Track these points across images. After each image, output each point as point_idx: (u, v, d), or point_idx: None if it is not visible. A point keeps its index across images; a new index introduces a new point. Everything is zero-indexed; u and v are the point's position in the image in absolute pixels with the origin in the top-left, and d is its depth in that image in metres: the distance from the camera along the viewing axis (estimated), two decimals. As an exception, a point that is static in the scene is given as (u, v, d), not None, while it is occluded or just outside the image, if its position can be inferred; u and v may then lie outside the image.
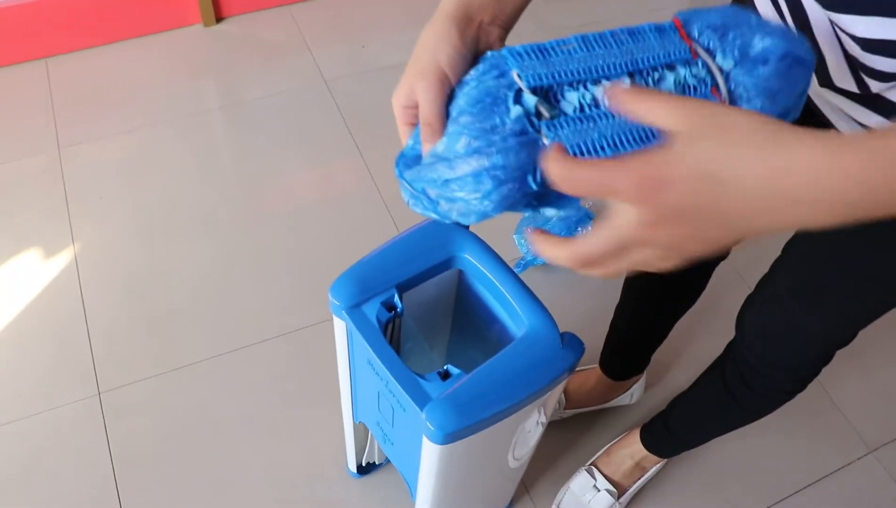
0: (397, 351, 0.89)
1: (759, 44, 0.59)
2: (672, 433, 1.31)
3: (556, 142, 0.54)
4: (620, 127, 0.55)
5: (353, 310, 0.90)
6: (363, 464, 1.38)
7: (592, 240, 0.48)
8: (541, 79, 0.57)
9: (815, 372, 1.03)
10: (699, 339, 1.61)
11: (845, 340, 0.95)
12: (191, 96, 2.06)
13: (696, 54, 0.60)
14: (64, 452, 1.45)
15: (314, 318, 1.64)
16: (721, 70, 0.60)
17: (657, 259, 0.48)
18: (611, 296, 1.37)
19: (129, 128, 1.97)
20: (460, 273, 0.98)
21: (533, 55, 0.58)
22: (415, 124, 0.61)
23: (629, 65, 0.59)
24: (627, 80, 0.59)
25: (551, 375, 0.88)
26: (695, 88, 0.60)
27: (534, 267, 1.71)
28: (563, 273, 1.71)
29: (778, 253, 0.95)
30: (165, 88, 2.07)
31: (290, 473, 1.44)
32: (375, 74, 2.13)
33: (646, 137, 0.56)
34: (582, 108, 0.57)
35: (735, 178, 0.42)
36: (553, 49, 0.58)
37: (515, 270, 1.41)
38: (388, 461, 1.43)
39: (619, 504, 1.39)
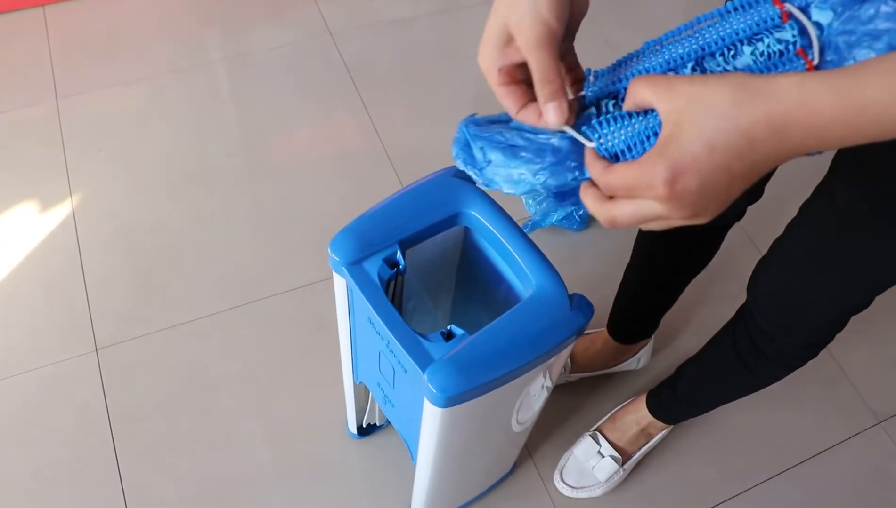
0: (399, 310, 0.85)
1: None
2: (680, 399, 1.28)
3: (590, 148, 0.58)
4: (649, 124, 0.57)
5: (354, 267, 0.86)
6: (363, 426, 1.36)
7: (627, 208, 0.54)
8: (601, 89, 0.63)
9: (828, 338, 0.99)
10: (709, 304, 1.58)
11: (861, 305, 0.91)
12: (193, 47, 2.01)
13: (788, 16, 0.58)
14: (61, 408, 1.43)
15: (315, 276, 1.60)
16: (816, 25, 0.57)
17: (685, 219, 0.52)
18: (620, 258, 1.33)
19: (130, 79, 1.92)
20: (466, 230, 0.94)
21: (609, 69, 0.64)
22: (515, 84, 0.59)
23: (696, 52, 0.60)
24: (688, 70, 0.60)
25: (559, 338, 0.85)
26: (781, 54, 0.58)
27: (541, 228, 1.67)
28: (572, 234, 1.67)
29: (792, 215, 0.91)
30: (167, 39, 2.01)
31: (288, 433, 1.41)
32: (382, 28, 2.07)
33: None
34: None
35: (739, 136, 0.46)
36: (627, 60, 0.63)
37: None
38: (388, 423, 1.41)
39: (624, 470, 1.36)
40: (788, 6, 0.58)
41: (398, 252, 0.86)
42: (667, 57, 0.61)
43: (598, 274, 1.54)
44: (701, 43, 0.60)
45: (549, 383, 1.03)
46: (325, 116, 1.89)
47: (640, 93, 0.53)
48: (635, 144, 0.57)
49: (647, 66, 0.61)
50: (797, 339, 0.99)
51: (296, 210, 1.71)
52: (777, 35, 0.58)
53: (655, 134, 0.56)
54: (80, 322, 1.52)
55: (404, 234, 0.88)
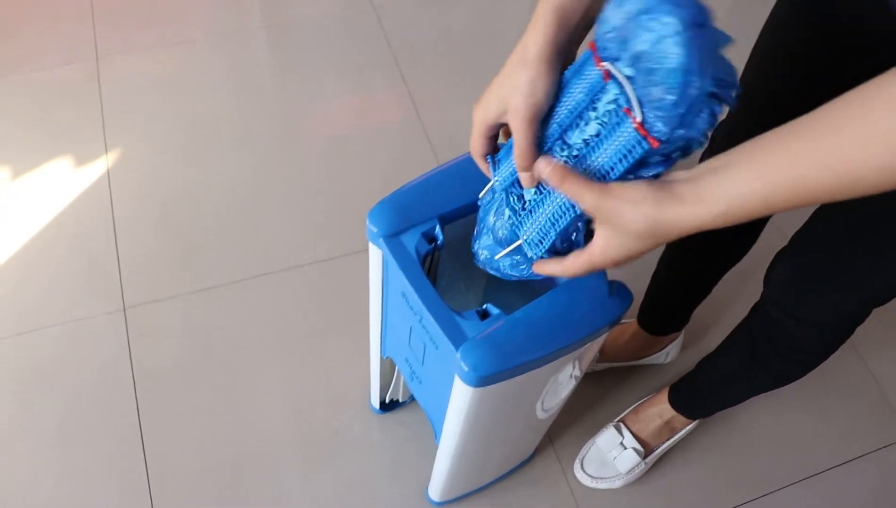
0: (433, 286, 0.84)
1: (644, 34, 0.55)
2: (699, 394, 1.27)
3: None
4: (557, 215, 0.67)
5: (391, 239, 0.85)
6: (386, 401, 1.35)
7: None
8: (505, 180, 0.71)
9: (845, 333, 0.97)
10: (741, 302, 1.52)
11: (885, 297, 0.89)
12: (234, 13, 2.00)
13: (608, 75, 0.60)
14: (86, 365, 1.43)
15: (346, 249, 1.60)
16: (629, 79, 0.59)
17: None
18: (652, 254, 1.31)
19: (170, 42, 1.92)
20: (505, 210, 0.93)
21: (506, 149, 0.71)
22: (492, 137, 0.70)
23: (557, 132, 0.65)
24: (555, 158, 0.65)
25: (596, 325, 0.83)
26: (615, 113, 0.61)
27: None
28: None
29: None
30: (209, 3, 2.01)
31: (310, 403, 1.41)
32: (426, 4, 2.05)
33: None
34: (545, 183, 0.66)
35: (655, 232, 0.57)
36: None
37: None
38: (411, 400, 1.40)
39: (645, 464, 1.35)
40: (606, 64, 0.60)
41: (437, 227, 0.85)
42: (539, 141, 0.66)
43: (632, 264, 1.51)
44: (558, 120, 0.65)
45: (578, 372, 1.01)
46: (363, 89, 1.87)
47: (574, 193, 0.61)
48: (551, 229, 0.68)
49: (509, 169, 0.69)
50: (815, 332, 0.97)
51: (329, 182, 1.70)
52: (605, 97, 0.61)
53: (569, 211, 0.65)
54: (110, 280, 1.53)
55: (444, 210, 0.86)
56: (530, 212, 0.70)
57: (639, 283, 1.35)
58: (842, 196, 0.49)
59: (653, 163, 0.60)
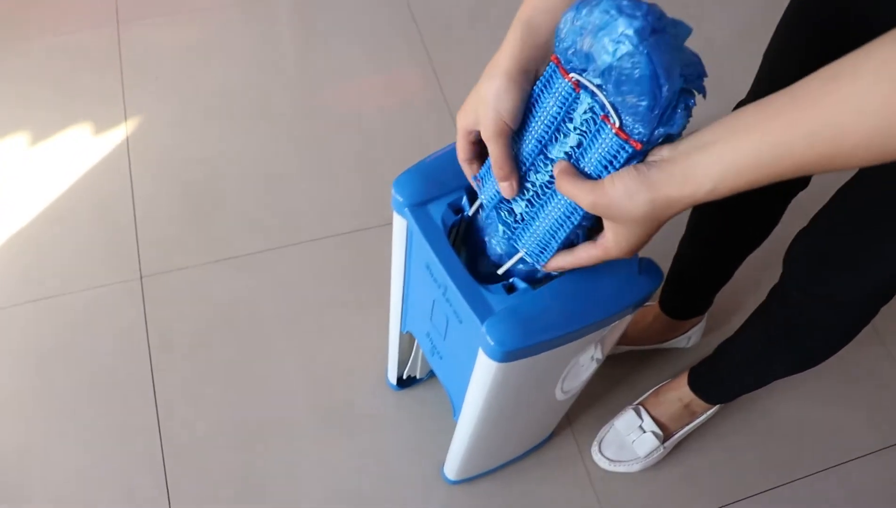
0: (458, 259, 0.82)
1: (604, 51, 0.56)
2: (719, 377, 1.26)
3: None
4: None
5: (417, 209, 0.83)
6: (403, 377, 1.34)
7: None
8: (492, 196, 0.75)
9: (870, 313, 0.95)
10: (764, 287, 1.50)
11: None
12: (257, -18, 1.97)
13: (578, 85, 0.61)
14: (102, 332, 1.43)
15: (366, 223, 1.58)
16: (600, 88, 0.59)
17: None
18: (676, 229, 1.28)
19: (193, 9, 1.90)
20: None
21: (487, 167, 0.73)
22: (475, 142, 0.72)
23: (537, 147, 0.67)
24: (540, 160, 0.67)
25: (625, 302, 0.81)
26: (593, 121, 0.61)
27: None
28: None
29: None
30: (232, -28, 1.98)
31: (326, 378, 1.40)
32: (451, -22, 2.02)
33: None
34: (535, 196, 0.70)
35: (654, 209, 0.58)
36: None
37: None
38: (429, 376, 1.39)
39: (664, 448, 1.33)
40: (574, 76, 0.61)
41: (465, 198, 0.83)
42: (520, 158, 0.68)
43: (652, 243, 1.48)
44: (537, 136, 0.66)
45: (599, 355, 0.99)
46: (387, 63, 1.85)
47: (571, 195, 0.62)
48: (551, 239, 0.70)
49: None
50: (833, 312, 0.95)
51: (350, 155, 1.68)
52: (580, 108, 0.62)
53: (572, 214, 0.67)
54: (127, 248, 1.52)
55: (472, 181, 0.84)
56: (527, 224, 0.72)
57: (661, 267, 1.32)
58: (831, 167, 0.49)
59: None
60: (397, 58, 1.86)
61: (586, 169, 0.63)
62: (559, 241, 0.69)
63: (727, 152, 0.52)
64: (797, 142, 0.48)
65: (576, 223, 0.67)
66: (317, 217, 1.59)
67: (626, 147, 0.59)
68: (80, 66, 1.78)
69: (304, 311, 1.47)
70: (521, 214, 0.72)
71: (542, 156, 0.67)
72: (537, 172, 0.69)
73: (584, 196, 0.60)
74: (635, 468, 1.33)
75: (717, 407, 1.34)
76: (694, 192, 0.54)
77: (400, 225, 0.88)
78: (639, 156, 0.59)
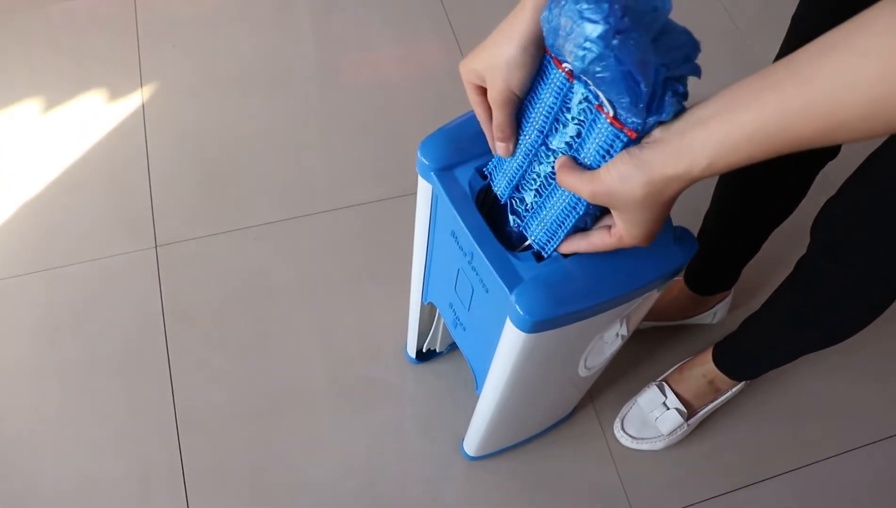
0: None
1: (574, 56, 0.55)
2: (744, 352, 1.23)
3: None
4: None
5: (443, 173, 0.80)
6: (423, 350, 1.31)
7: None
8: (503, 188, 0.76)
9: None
10: (793, 261, 1.48)
11: None
12: (274, -52, 1.93)
13: (571, 75, 0.62)
14: (117, 302, 1.41)
15: (384, 193, 1.55)
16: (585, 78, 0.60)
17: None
18: (700, 201, 1.24)
19: (208, -24, 1.86)
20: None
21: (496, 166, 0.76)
22: (482, 94, 0.69)
23: (539, 139, 0.68)
24: (543, 151, 0.69)
25: (658, 271, 0.78)
26: (589, 111, 0.61)
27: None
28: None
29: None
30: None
31: (344, 350, 1.38)
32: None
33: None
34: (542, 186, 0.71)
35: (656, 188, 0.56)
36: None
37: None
38: (448, 350, 1.36)
39: (688, 425, 1.30)
40: (567, 66, 0.61)
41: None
42: (524, 150, 0.70)
43: (676, 216, 1.45)
44: (538, 127, 0.67)
45: (624, 331, 0.96)
46: (408, 33, 1.81)
47: (571, 187, 0.63)
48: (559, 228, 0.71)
49: (514, 162, 0.72)
50: (861, 281, 0.92)
51: (369, 125, 1.65)
52: (575, 97, 0.62)
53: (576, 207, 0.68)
54: (142, 217, 1.49)
55: (501, 144, 0.81)
56: (535, 213, 0.73)
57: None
58: (833, 141, 0.47)
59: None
60: (419, 27, 1.82)
61: (586, 160, 0.63)
62: (566, 230, 0.70)
63: (722, 128, 0.50)
64: (794, 116, 0.46)
65: (581, 213, 0.68)
66: (336, 187, 1.56)
67: (622, 135, 0.58)
68: (96, 31, 1.75)
69: (322, 283, 1.45)
70: (530, 203, 0.73)
71: (544, 147, 0.68)
72: (541, 163, 0.70)
73: (582, 186, 0.61)
74: (658, 445, 1.30)
75: (743, 383, 1.31)
76: (689, 169, 0.53)
77: (425, 190, 0.85)
78: (635, 143, 0.58)
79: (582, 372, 1.07)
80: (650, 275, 0.78)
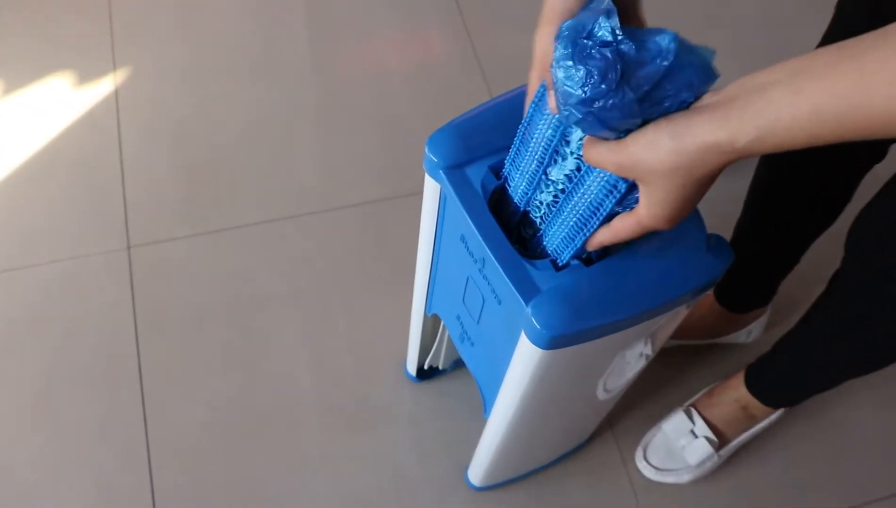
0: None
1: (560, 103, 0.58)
2: (780, 375, 1.23)
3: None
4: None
5: (453, 171, 0.81)
6: (425, 367, 1.32)
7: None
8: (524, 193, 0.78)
9: None
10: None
11: None
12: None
13: None
14: (83, 308, 1.42)
15: (383, 193, 1.56)
16: None
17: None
18: (730, 208, 1.25)
19: (190, -52, 1.88)
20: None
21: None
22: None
23: (538, 171, 0.73)
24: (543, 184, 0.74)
25: (689, 284, 0.79)
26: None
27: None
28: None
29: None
30: None
31: (336, 366, 1.39)
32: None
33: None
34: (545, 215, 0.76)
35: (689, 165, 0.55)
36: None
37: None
38: (452, 368, 1.37)
39: (719, 456, 1.30)
40: None
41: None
42: (527, 178, 0.75)
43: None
44: (537, 157, 0.72)
45: (649, 350, 0.97)
46: (412, 15, 1.82)
47: (597, 161, 0.62)
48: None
49: (521, 187, 0.77)
50: None
51: (367, 118, 1.66)
52: (576, 134, 0.66)
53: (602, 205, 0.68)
54: (114, 214, 1.51)
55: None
56: (549, 224, 0.76)
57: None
58: None
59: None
60: (424, 9, 1.84)
61: (587, 196, 0.67)
62: (572, 251, 0.74)
63: (785, 97, 0.48)
64: (874, 96, 0.44)
65: (596, 224, 0.70)
66: (330, 185, 1.57)
67: (621, 181, 0.63)
68: (66, 11, 1.76)
69: (312, 291, 1.46)
70: (541, 216, 0.77)
71: (543, 177, 0.73)
72: (541, 192, 0.74)
73: (608, 156, 0.60)
74: (685, 478, 1.31)
75: (781, 411, 1.32)
76: (731, 139, 0.51)
77: (432, 190, 0.86)
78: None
79: (601, 394, 1.08)
80: (681, 288, 0.79)
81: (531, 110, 0.69)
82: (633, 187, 0.64)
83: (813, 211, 1.18)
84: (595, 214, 0.69)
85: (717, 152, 0.52)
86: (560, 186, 0.71)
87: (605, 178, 0.65)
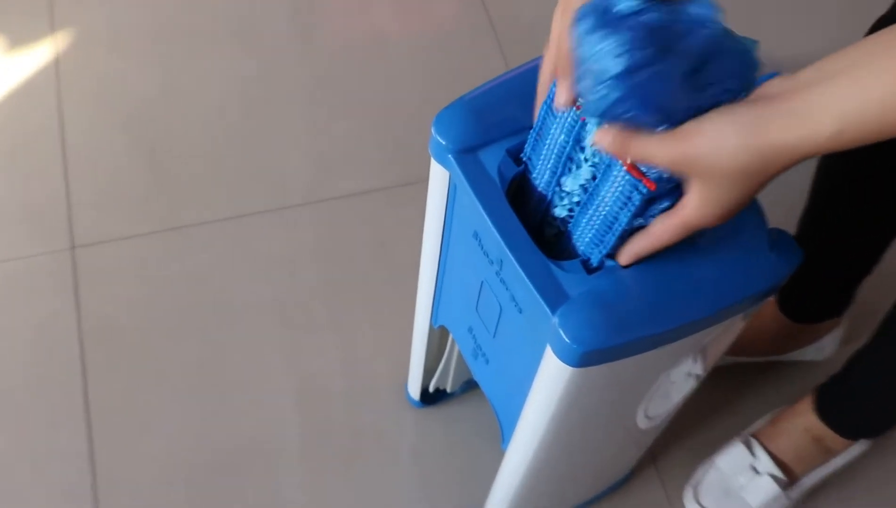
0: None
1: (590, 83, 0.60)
2: (855, 400, 1.23)
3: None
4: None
5: (465, 156, 0.82)
6: (430, 390, 1.34)
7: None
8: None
9: None
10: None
11: None
12: None
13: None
14: (18, 318, 1.44)
15: (381, 181, 1.59)
16: None
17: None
18: (793, 200, 1.27)
19: None
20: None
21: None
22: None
23: (552, 181, 0.77)
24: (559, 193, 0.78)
25: (749, 289, 0.81)
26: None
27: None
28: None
29: None
30: None
31: (324, 390, 1.41)
32: None
33: None
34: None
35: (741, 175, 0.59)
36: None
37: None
38: (463, 390, 1.39)
39: (788, 498, 1.32)
40: (579, 100, 0.67)
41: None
42: (540, 189, 0.79)
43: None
44: (550, 167, 0.76)
45: (699, 369, 0.99)
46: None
47: (644, 156, 0.64)
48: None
49: (538, 192, 0.80)
50: None
51: (360, 94, 1.69)
52: (590, 137, 0.69)
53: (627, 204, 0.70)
54: (54, 209, 1.52)
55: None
56: (575, 224, 0.78)
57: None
58: None
59: (661, 198, 0.68)
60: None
61: (603, 207, 0.71)
62: (607, 247, 0.76)
63: (857, 83, 0.51)
64: None
65: (623, 227, 0.72)
66: (316, 173, 1.59)
67: (641, 187, 0.64)
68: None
69: (291, 299, 1.48)
70: (564, 217, 0.80)
71: (557, 188, 0.77)
72: (555, 207, 0.79)
73: (659, 149, 0.61)
74: (745, 524, 1.33)
75: (864, 443, 1.33)
76: (813, 135, 0.53)
77: (440, 177, 0.88)
78: (665, 198, 0.66)
79: (642, 422, 1.10)
80: (737, 294, 0.81)
81: (543, 112, 0.72)
82: (651, 200, 0.67)
83: (890, 205, 1.20)
84: (610, 229, 0.72)
85: (795, 152, 0.55)
86: (576, 198, 0.75)
87: (620, 189, 0.67)
